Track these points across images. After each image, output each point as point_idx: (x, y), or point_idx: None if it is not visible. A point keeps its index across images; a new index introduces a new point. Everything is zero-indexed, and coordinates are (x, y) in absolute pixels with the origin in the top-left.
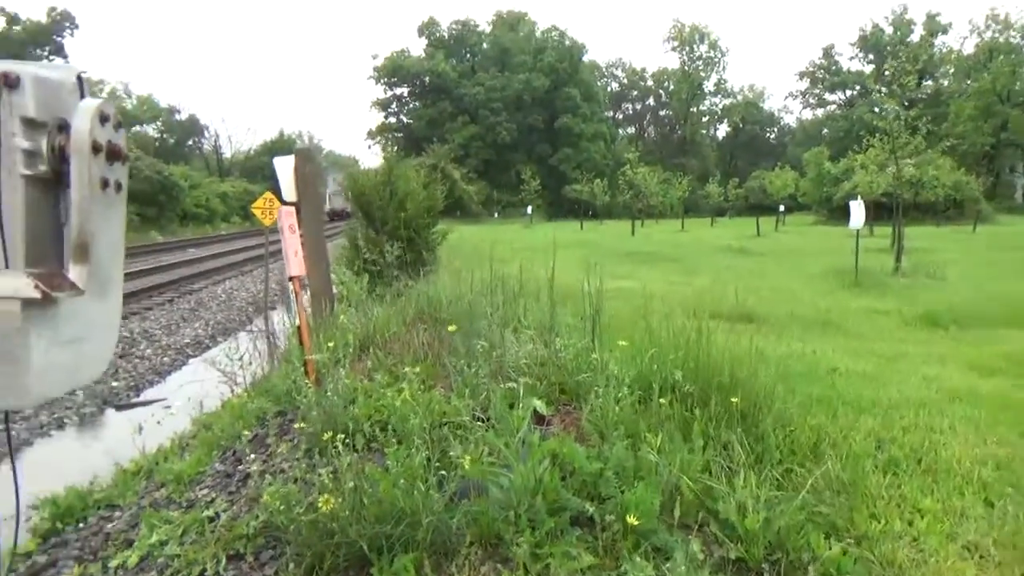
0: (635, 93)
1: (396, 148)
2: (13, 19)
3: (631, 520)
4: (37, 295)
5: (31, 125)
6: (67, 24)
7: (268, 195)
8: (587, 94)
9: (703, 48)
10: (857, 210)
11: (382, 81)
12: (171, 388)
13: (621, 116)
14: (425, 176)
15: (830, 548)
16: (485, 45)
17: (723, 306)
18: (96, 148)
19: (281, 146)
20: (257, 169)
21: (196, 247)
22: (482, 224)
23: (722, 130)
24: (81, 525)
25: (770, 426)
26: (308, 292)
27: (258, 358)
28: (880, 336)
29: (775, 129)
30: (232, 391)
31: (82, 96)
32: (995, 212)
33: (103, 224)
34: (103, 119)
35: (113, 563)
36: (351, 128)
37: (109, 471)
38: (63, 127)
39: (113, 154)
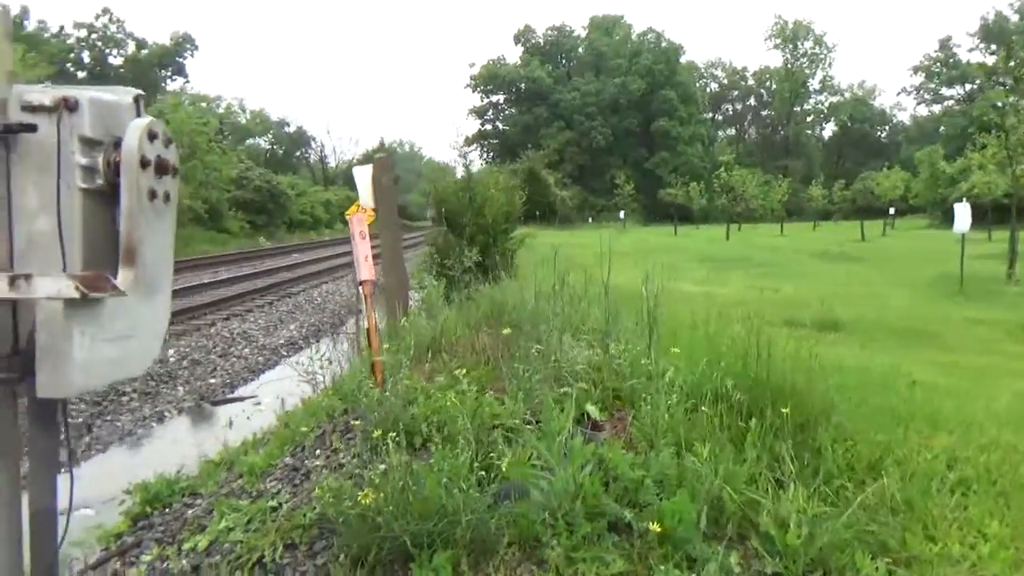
0: (735, 93)
1: (492, 154)
2: (141, 43)
3: (654, 527)
4: (76, 295)
5: (88, 143)
6: (188, 46)
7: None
8: (684, 96)
9: (807, 44)
10: (962, 213)
11: (479, 89)
12: (262, 386)
13: (721, 117)
14: (504, 182)
15: (876, 569)
16: (580, 50)
17: (807, 313)
18: (144, 163)
19: (382, 154)
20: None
21: (300, 252)
22: (575, 229)
23: (828, 129)
24: (167, 510)
25: (828, 439)
26: (385, 296)
27: (339, 359)
28: (977, 348)
29: (887, 128)
30: (313, 390)
31: (138, 115)
32: None
33: (150, 232)
34: (151, 136)
35: (186, 546)
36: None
37: (198, 461)
38: (118, 144)
39: (161, 168)
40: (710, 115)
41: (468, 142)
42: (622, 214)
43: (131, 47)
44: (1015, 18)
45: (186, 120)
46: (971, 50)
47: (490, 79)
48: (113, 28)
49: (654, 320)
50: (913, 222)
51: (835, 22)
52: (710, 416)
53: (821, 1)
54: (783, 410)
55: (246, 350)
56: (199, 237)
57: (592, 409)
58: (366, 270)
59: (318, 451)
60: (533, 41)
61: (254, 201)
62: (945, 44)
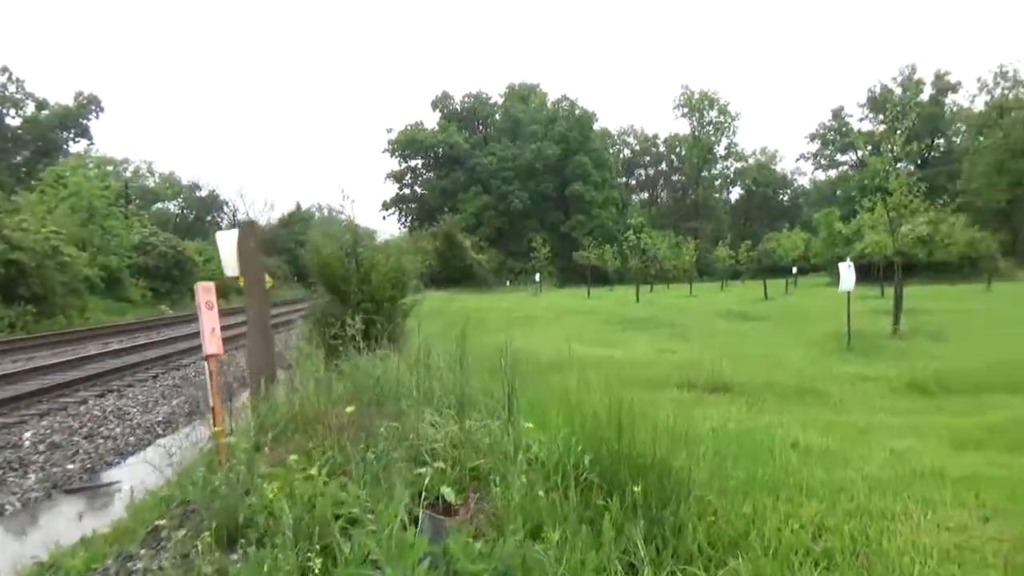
0: (647, 159)
1: (410, 218)
2: (42, 104)
3: None
4: None
5: None
6: (93, 107)
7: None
8: (598, 161)
9: (712, 113)
10: (846, 272)
11: (396, 154)
12: (130, 469)
13: (634, 182)
14: (394, 247)
15: None
16: (497, 116)
17: (700, 374)
18: None
19: (298, 219)
20: (271, 243)
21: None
22: (491, 292)
23: (735, 193)
24: None
25: (691, 515)
26: (249, 369)
27: (202, 440)
28: (860, 405)
29: (788, 191)
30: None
31: None
32: (1015, 268)
33: None
34: None
35: None
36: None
37: (28, 565)
38: None
39: None
40: (624, 180)
41: (386, 206)
42: (537, 277)
43: (31, 108)
44: (899, 91)
45: (85, 184)
46: (861, 119)
47: (408, 144)
48: (12, 88)
49: (513, 391)
50: (815, 280)
51: (739, 90)
52: (562, 496)
53: (725, 71)
54: (635, 488)
55: (117, 429)
56: (96, 306)
57: (447, 491)
58: (212, 343)
59: (142, 551)
60: (451, 107)
61: (158, 267)
62: (838, 114)
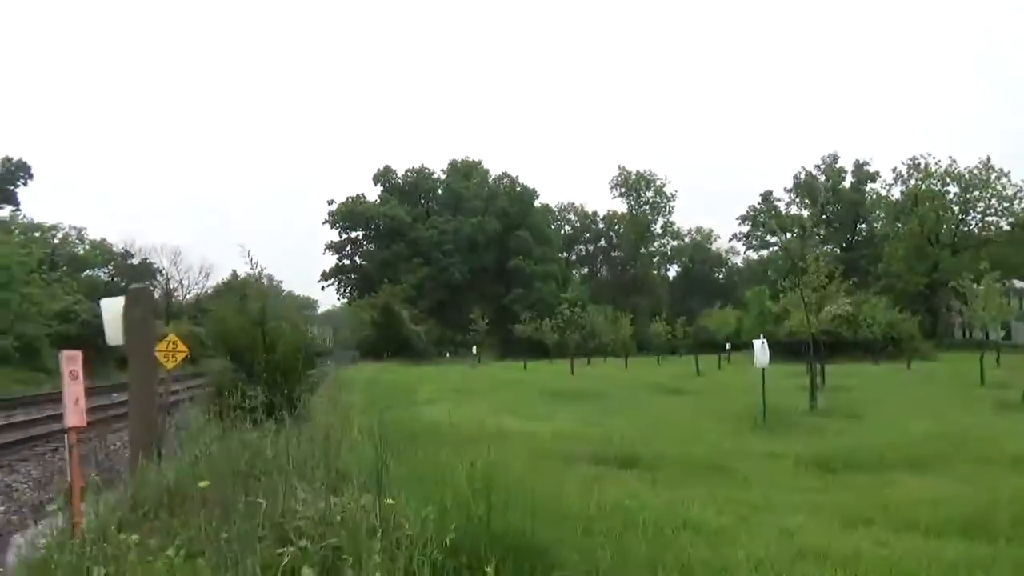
0: (587, 235)
1: (350, 289)
2: None
3: None
4: None
5: None
6: (22, 174)
7: (172, 337)
8: (539, 236)
9: (649, 193)
10: (760, 349)
11: (337, 225)
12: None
13: (575, 257)
14: (294, 316)
15: None
16: (439, 191)
17: (615, 449)
18: None
19: (234, 287)
20: (205, 312)
21: (121, 392)
22: (429, 364)
23: (673, 270)
24: None
25: None
26: (130, 443)
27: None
28: (764, 481)
29: (723, 269)
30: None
31: None
32: (935, 349)
33: None
34: None
35: None
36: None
37: None
38: None
39: None
40: (564, 255)
41: (325, 276)
42: (474, 349)
43: None
44: (823, 177)
45: (2, 249)
46: (788, 204)
47: (349, 216)
48: None
49: (384, 465)
50: (748, 356)
51: (674, 170)
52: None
53: (662, 150)
54: (487, 569)
55: (1, 507)
56: (8, 376)
57: (308, 572)
58: (74, 416)
59: None
60: (393, 181)
61: (80, 336)
62: (767, 197)
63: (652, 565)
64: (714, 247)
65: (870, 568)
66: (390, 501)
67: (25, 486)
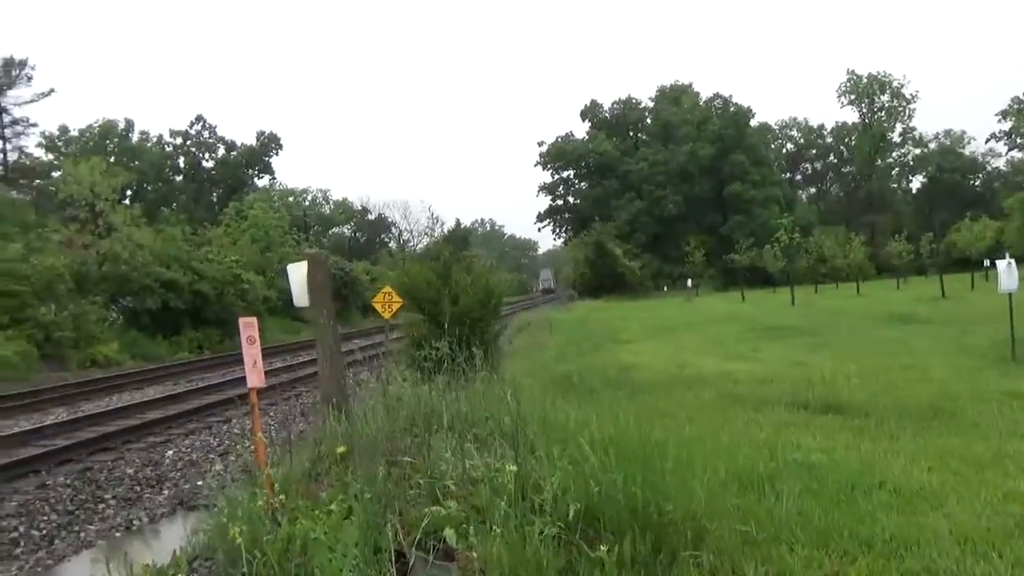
0: (813, 152)
1: (564, 228)
2: (230, 146)
3: None
4: None
5: None
6: (273, 145)
7: (388, 289)
8: (757, 158)
9: (884, 98)
10: (1007, 272)
11: (548, 166)
12: None
13: (799, 177)
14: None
15: None
16: (648, 121)
17: (819, 392)
18: None
19: (459, 235)
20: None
21: (363, 336)
22: (645, 300)
23: (917, 182)
24: None
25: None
26: (322, 400)
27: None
28: (999, 431)
29: (979, 176)
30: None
31: None
32: None
33: None
34: None
35: None
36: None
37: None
38: None
39: None
40: (788, 175)
41: (540, 218)
42: (689, 282)
43: (221, 150)
44: None
45: (262, 216)
46: None
47: (558, 156)
48: (206, 134)
49: (520, 421)
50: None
51: (911, 71)
52: (552, 546)
53: (894, 51)
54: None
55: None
56: (273, 326)
57: (449, 534)
58: (255, 376)
59: None
60: (600, 116)
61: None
62: None
63: (824, 537)
64: (967, 151)
65: None
66: (510, 469)
67: (274, 426)
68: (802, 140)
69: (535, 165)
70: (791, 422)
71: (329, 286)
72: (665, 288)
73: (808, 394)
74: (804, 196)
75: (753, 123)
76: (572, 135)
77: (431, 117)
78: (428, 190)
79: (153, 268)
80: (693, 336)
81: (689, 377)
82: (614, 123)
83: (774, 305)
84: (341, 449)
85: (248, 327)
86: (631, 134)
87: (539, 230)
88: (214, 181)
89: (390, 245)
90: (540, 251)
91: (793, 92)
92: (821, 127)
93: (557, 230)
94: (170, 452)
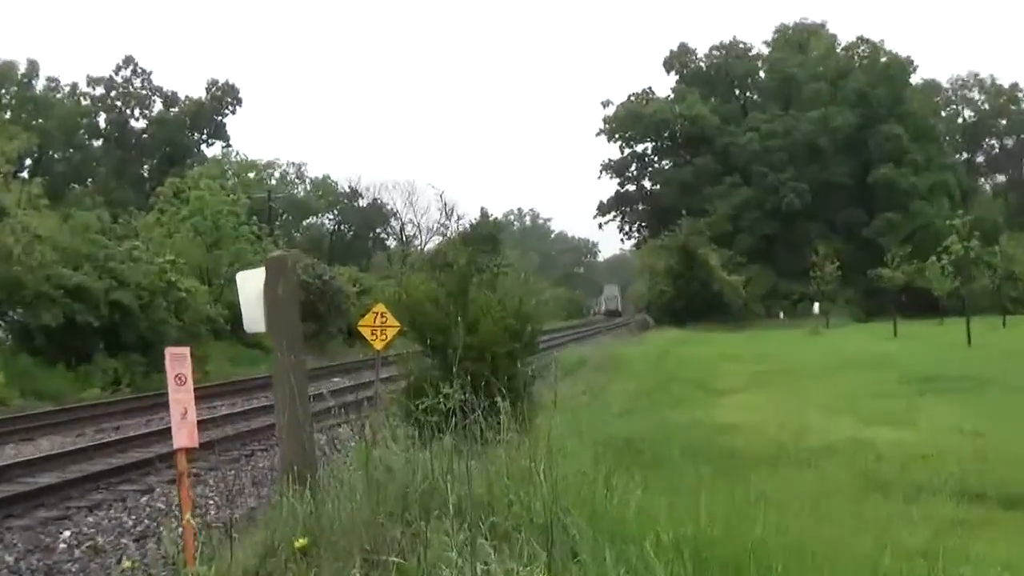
0: (1003, 123)
1: (637, 225)
2: (170, 99)
3: None
4: None
5: None
6: (229, 100)
7: (380, 308)
8: (918, 131)
9: None
10: None
11: (616, 136)
12: None
13: (983, 159)
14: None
15: None
16: (761, 74)
17: (994, 476)
18: None
19: (484, 232)
20: (444, 268)
21: (347, 374)
22: (750, 331)
23: None
24: None
25: None
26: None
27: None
28: None
29: None
30: None
31: None
32: None
33: None
34: None
35: None
36: (581, 200)
37: None
38: None
39: None
40: (963, 156)
41: (603, 209)
42: (817, 307)
43: (157, 105)
44: None
45: (209, 199)
46: None
47: (631, 122)
48: (137, 83)
49: (559, 515)
50: None
51: None
52: None
53: None
54: None
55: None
56: (220, 353)
57: None
58: (184, 433)
59: None
60: (691, 66)
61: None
62: None
63: None
64: None
65: None
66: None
67: (212, 502)
68: (986, 106)
69: (597, 135)
70: (960, 520)
71: (296, 303)
72: (781, 315)
73: (986, 479)
74: (988, 186)
75: (914, 80)
76: (651, 93)
77: (447, 72)
78: (443, 171)
79: (55, 269)
80: (819, 387)
81: (811, 448)
82: (712, 77)
83: (940, 344)
84: (301, 542)
85: (177, 361)
86: (736, 93)
87: (600, 226)
88: (146, 148)
89: (388, 244)
90: (601, 256)
91: (974, 38)
92: (1015, 88)
93: (626, 227)
94: (67, 533)
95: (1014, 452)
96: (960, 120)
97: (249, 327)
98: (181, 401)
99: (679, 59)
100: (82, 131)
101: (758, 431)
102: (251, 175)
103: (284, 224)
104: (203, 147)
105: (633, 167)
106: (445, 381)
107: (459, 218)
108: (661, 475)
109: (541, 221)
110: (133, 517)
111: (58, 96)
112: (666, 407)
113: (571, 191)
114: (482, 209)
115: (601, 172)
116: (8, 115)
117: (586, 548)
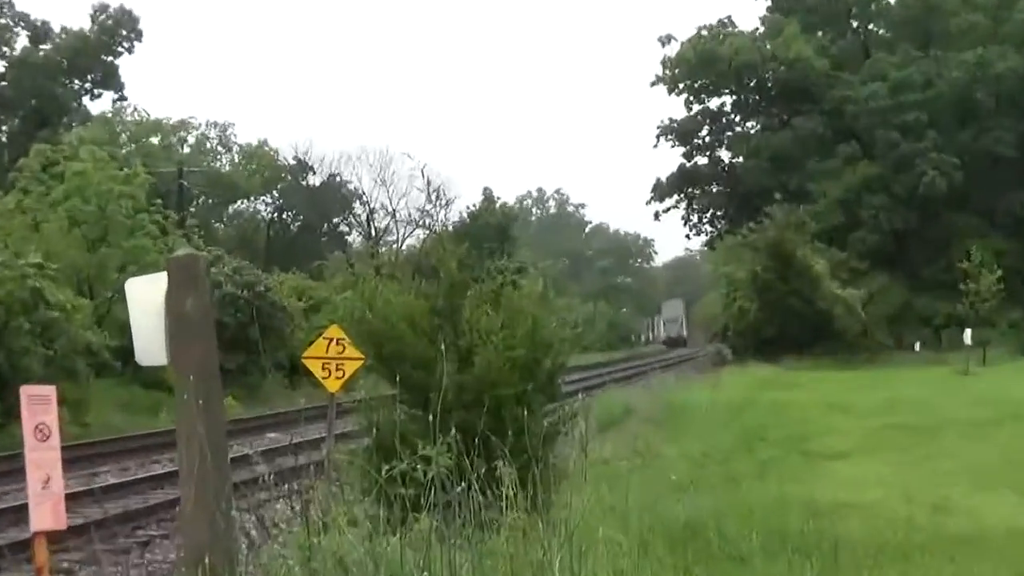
0: None
1: (709, 215)
2: (40, 33)
3: None
4: None
5: None
6: (125, 33)
7: (336, 333)
8: None
9: None
10: None
11: (679, 87)
12: None
13: None
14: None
15: None
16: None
17: None
18: None
19: (488, 221)
20: (426, 276)
21: (286, 427)
22: (871, 369)
23: None
24: None
25: None
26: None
27: None
28: None
29: None
30: None
31: None
32: None
33: None
34: None
35: None
36: (629, 181)
37: None
38: None
39: None
40: None
41: (660, 192)
42: (968, 335)
43: (22, 41)
44: None
45: (95, 174)
46: None
47: (703, 66)
48: None
49: None
50: None
51: None
52: None
53: None
54: None
55: None
56: (107, 395)
57: None
58: (46, 511)
59: None
60: None
61: (221, 325)
62: None
63: None
64: None
65: None
66: None
67: None
68: None
69: (653, 84)
70: None
71: (211, 324)
72: (917, 346)
73: None
74: None
75: None
76: (730, 25)
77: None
78: (431, 141)
79: None
80: (969, 449)
81: (956, 536)
82: (815, 5)
83: None
84: None
85: (38, 406)
86: (855, 25)
87: (657, 216)
88: (3, 102)
89: (350, 240)
90: (658, 260)
91: None
92: None
93: (693, 217)
94: None
95: None
96: None
97: (143, 358)
98: (42, 463)
99: None
100: None
101: (879, 512)
102: (154, 140)
103: (201, 210)
104: (86, 100)
105: (705, 131)
106: (426, 438)
107: (450, 202)
108: None
109: (571, 208)
110: None
111: None
112: (748, 478)
113: (614, 168)
114: (485, 191)
115: (659, 138)
116: None
117: None
